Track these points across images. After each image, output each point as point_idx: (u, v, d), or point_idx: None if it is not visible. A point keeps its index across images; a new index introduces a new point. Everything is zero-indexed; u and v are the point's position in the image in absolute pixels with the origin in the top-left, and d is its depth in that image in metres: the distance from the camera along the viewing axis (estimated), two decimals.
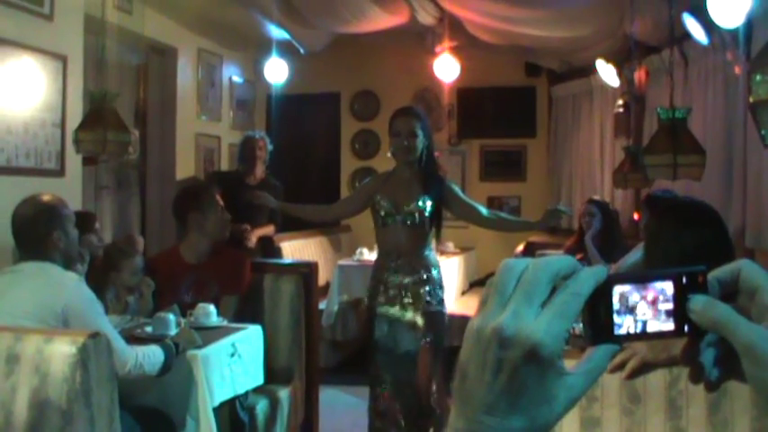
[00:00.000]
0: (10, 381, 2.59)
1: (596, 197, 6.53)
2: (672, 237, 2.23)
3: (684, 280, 0.72)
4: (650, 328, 0.71)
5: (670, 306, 0.71)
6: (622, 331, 0.71)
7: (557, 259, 0.71)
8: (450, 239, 8.09)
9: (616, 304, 0.71)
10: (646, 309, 0.71)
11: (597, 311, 0.71)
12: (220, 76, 8.98)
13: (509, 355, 0.67)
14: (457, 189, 4.65)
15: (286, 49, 8.07)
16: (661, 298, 0.71)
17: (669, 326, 0.72)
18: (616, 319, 0.71)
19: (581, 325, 0.72)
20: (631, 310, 0.71)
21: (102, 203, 7.04)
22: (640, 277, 0.72)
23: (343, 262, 7.44)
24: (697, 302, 0.70)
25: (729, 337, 0.69)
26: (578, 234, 6.00)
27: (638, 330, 0.71)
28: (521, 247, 7.29)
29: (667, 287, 0.71)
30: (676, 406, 1.87)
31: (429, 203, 4.41)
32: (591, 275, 0.70)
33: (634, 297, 0.71)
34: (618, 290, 0.71)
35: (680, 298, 0.71)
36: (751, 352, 0.67)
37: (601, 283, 0.70)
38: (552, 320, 0.67)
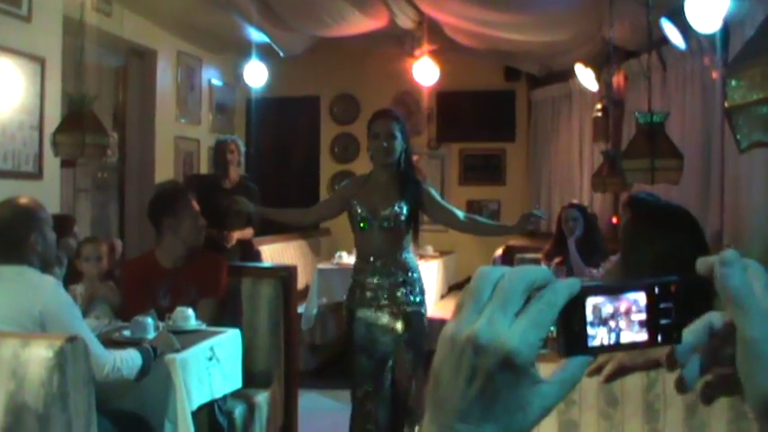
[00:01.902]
0: None
1: (576, 201, 6.55)
2: (646, 241, 2.24)
3: (657, 290, 0.72)
4: (624, 339, 0.72)
5: (643, 317, 0.72)
6: (596, 343, 0.72)
7: (532, 269, 0.71)
8: (430, 243, 8.10)
9: (589, 316, 0.71)
10: (619, 320, 0.72)
11: (571, 323, 0.71)
12: (200, 79, 8.97)
13: (483, 362, 0.67)
14: (434, 193, 4.64)
15: (266, 53, 8.06)
16: (634, 309, 0.72)
17: (642, 336, 0.72)
18: (590, 330, 0.71)
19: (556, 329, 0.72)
20: (605, 322, 0.72)
21: (81, 206, 7.00)
22: (613, 289, 0.73)
23: (322, 266, 7.43)
24: (724, 260, 0.70)
25: (736, 319, 0.69)
26: (557, 238, 6.01)
27: (612, 342, 0.72)
28: (500, 251, 7.29)
29: (640, 298, 0.72)
30: (654, 409, 1.88)
31: (405, 208, 4.41)
32: (565, 287, 0.70)
33: (607, 308, 0.72)
34: (591, 301, 0.71)
35: (653, 308, 0.72)
36: (752, 346, 0.68)
37: (574, 295, 0.71)
38: (527, 329, 0.67)
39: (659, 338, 0.72)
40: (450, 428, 0.68)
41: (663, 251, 2.17)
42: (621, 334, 0.72)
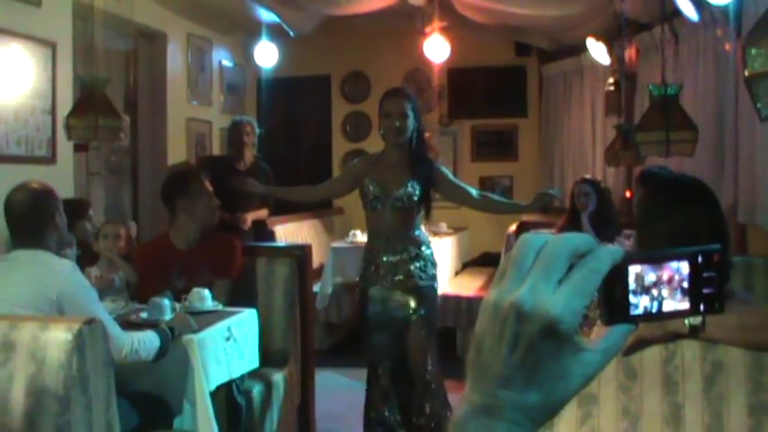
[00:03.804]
0: (6, 369, 2.59)
1: (588, 176, 6.54)
2: (662, 214, 2.23)
3: (700, 259, 0.72)
4: (666, 308, 0.72)
5: (685, 285, 0.72)
6: (638, 311, 0.72)
7: (576, 236, 0.71)
8: (443, 220, 8.09)
9: (632, 284, 0.71)
10: (661, 288, 0.71)
11: (613, 291, 0.71)
12: (210, 60, 8.95)
13: (526, 329, 0.67)
14: (446, 171, 4.63)
15: (275, 32, 8.04)
16: (676, 277, 0.72)
17: (684, 305, 0.72)
18: (632, 298, 0.71)
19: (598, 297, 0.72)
20: (647, 290, 0.71)
21: (94, 190, 7.02)
22: (656, 257, 0.72)
23: (336, 244, 7.44)
24: None
25: None
26: (570, 213, 6.00)
27: (654, 310, 0.72)
28: (513, 228, 7.29)
29: (683, 266, 0.72)
30: (672, 381, 1.88)
31: (418, 188, 4.39)
32: (608, 254, 0.70)
33: (650, 277, 0.71)
34: (633, 270, 0.71)
35: (696, 277, 0.71)
36: None
37: (617, 263, 0.71)
38: (571, 296, 0.68)
39: (701, 307, 0.72)
40: (491, 396, 0.69)
41: (679, 223, 2.16)
42: (664, 302, 0.72)
